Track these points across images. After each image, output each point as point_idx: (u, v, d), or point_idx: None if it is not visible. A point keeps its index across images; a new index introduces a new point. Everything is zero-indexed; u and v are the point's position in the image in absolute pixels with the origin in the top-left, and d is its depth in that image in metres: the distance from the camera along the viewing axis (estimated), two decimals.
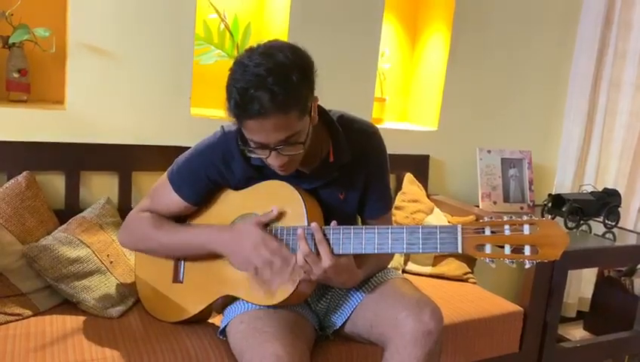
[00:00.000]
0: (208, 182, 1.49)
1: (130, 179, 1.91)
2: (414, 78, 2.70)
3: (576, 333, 2.81)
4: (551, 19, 2.72)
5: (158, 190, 1.54)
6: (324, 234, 1.33)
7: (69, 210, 1.81)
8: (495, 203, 2.50)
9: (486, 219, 1.26)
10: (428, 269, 2.17)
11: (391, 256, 1.68)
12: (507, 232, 1.23)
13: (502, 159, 2.55)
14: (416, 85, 2.68)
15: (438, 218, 2.28)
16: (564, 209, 2.33)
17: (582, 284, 2.89)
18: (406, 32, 2.66)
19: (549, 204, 2.40)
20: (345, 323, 1.51)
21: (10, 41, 1.74)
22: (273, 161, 1.31)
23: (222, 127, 1.48)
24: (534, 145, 2.72)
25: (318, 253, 1.32)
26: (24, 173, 1.70)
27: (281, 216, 1.42)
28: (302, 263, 1.32)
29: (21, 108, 1.77)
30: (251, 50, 1.26)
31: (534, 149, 2.65)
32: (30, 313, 1.54)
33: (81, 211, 1.79)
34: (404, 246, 1.31)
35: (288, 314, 1.44)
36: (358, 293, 1.50)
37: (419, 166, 2.47)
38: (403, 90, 2.72)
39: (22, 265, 1.57)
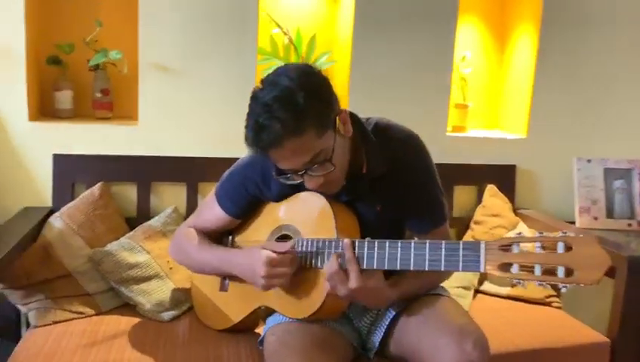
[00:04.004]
0: (248, 196, 1.51)
1: (196, 189, 2.00)
2: (502, 82, 2.50)
3: None
4: None
5: (205, 204, 1.61)
6: (355, 253, 1.27)
7: (140, 217, 1.95)
8: (596, 218, 2.22)
9: (513, 234, 1.12)
10: (506, 290, 1.98)
11: (441, 274, 1.55)
12: (538, 250, 1.08)
13: (605, 169, 2.26)
14: (504, 90, 2.49)
15: None
16: None
17: None
18: (492, 34, 2.48)
19: None
20: (389, 342, 1.43)
21: (90, 63, 1.92)
22: (308, 184, 1.30)
23: None
24: None
25: (347, 272, 1.27)
26: (98, 184, 1.86)
27: (313, 228, 1.40)
28: (329, 278, 1.29)
29: (99, 125, 1.95)
30: (263, 79, 1.27)
31: None
32: (92, 312, 1.67)
33: (151, 219, 1.92)
34: (427, 263, 1.21)
35: (321, 330, 1.40)
36: (393, 312, 1.42)
37: (503, 177, 2.28)
38: (490, 96, 2.54)
39: (89, 268, 1.72)
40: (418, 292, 1.44)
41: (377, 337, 1.45)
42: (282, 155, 1.23)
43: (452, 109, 2.37)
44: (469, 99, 2.41)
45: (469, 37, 2.44)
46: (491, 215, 2.16)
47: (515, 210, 2.24)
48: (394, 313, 1.40)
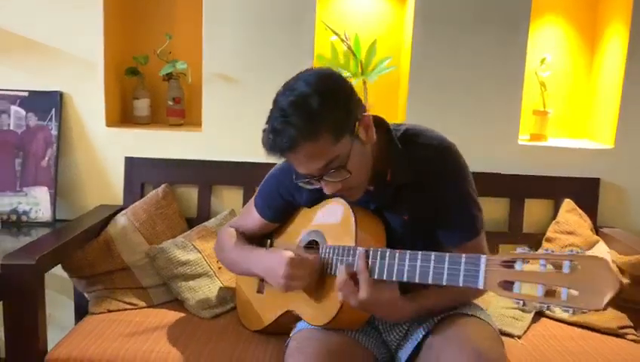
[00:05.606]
0: (282, 202, 1.54)
1: (252, 193, 2.04)
2: (590, 88, 2.27)
3: None
4: None
5: (246, 208, 1.67)
6: (367, 263, 1.24)
7: (200, 218, 2.05)
8: None
9: (519, 250, 1.01)
10: (571, 315, 1.78)
11: (469, 290, 1.42)
12: (542, 268, 0.97)
13: None
14: (592, 95, 2.26)
15: None
16: None
17: None
18: (580, 35, 2.27)
19: None
20: (416, 361, 1.37)
21: (160, 73, 2.07)
22: (326, 189, 1.28)
23: None
24: None
25: (358, 282, 1.24)
26: (163, 186, 2.00)
27: (336, 235, 1.39)
28: (340, 288, 1.26)
29: (167, 131, 2.10)
30: (284, 84, 1.28)
31: None
32: (144, 304, 1.79)
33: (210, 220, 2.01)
34: (430, 276, 1.14)
35: (340, 339, 1.37)
36: (424, 327, 1.36)
37: (584, 191, 2.06)
38: (577, 102, 2.32)
39: (146, 263, 1.84)
40: (442, 309, 1.35)
41: (405, 354, 1.39)
42: (297, 160, 1.23)
43: (530, 116, 2.21)
44: (550, 106, 2.22)
45: (552, 38, 2.26)
46: (565, 232, 1.97)
47: (596, 228, 2.02)
48: (425, 331, 1.34)
